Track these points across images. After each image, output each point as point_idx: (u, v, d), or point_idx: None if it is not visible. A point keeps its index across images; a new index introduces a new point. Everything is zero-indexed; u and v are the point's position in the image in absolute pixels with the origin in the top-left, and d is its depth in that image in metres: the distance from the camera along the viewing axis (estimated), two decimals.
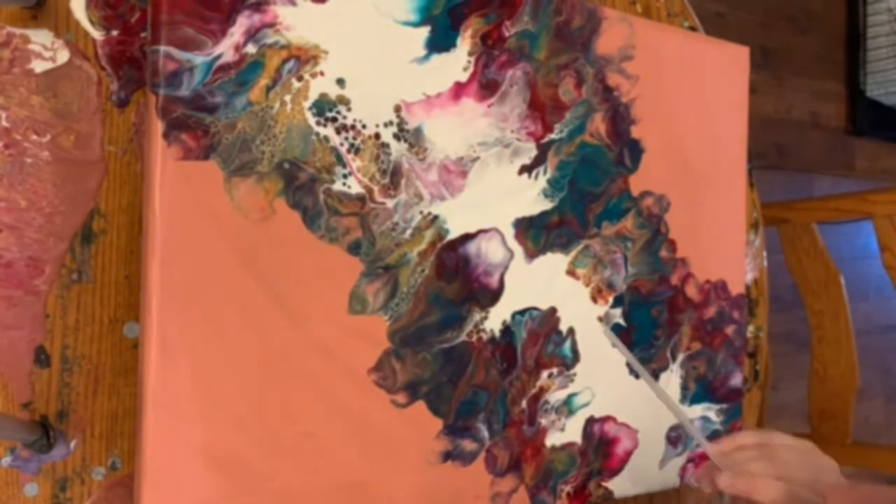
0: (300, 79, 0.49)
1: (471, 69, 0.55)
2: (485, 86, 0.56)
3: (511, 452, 0.58)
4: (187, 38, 0.45)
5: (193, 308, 0.45)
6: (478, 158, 0.56)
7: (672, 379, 0.68)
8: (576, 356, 0.62)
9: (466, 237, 0.56)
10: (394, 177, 0.52)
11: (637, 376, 0.66)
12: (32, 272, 0.46)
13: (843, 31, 2.04)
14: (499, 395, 0.57)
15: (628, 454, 0.65)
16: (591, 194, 0.62)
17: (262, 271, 0.47)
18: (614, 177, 0.64)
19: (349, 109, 0.50)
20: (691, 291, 0.69)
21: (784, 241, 1.06)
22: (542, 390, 0.60)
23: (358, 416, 0.51)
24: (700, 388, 0.70)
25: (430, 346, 0.54)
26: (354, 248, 0.51)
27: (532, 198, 0.59)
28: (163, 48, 0.44)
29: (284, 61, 0.48)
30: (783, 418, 1.55)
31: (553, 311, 0.60)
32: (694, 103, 0.69)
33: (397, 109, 0.52)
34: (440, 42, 0.54)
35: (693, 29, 0.76)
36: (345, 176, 0.50)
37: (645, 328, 0.66)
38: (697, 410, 0.70)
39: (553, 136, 0.60)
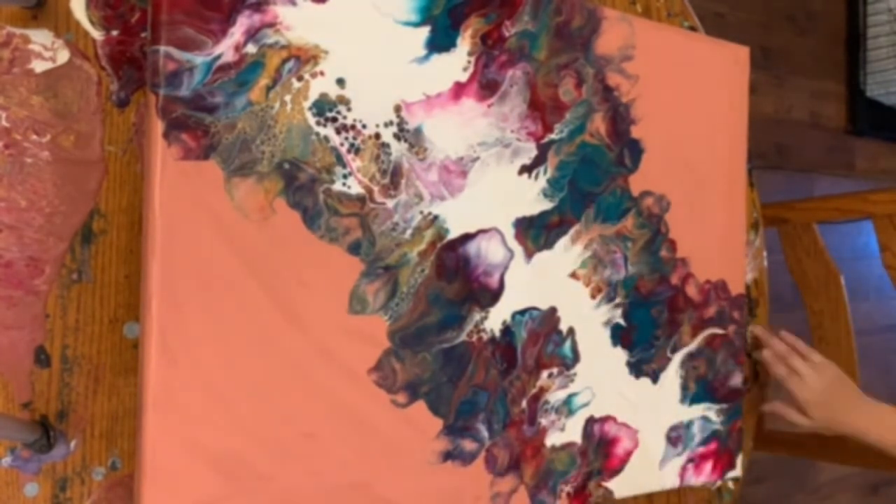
0: (300, 79, 0.49)
1: (471, 69, 0.55)
2: (485, 86, 0.56)
3: (511, 452, 0.58)
4: (187, 38, 0.45)
5: (193, 308, 0.45)
6: (478, 158, 0.56)
7: (672, 379, 0.68)
8: (576, 356, 0.62)
9: (466, 237, 0.56)
10: (394, 177, 0.52)
11: (637, 376, 0.66)
12: (32, 272, 0.46)
13: (843, 31, 2.04)
14: (499, 395, 0.57)
15: (628, 454, 0.65)
16: (591, 194, 0.62)
17: (262, 271, 0.47)
18: (614, 177, 0.64)
19: (349, 109, 0.50)
20: (691, 291, 0.69)
21: (784, 241, 1.06)
22: (542, 390, 0.60)
23: (358, 416, 0.51)
24: (700, 388, 0.70)
25: (430, 346, 0.54)
26: (354, 248, 0.51)
27: (532, 198, 0.59)
28: (163, 48, 0.44)
29: (284, 61, 0.48)
30: (783, 418, 1.55)
31: (553, 311, 0.60)
32: (694, 103, 0.69)
33: (397, 109, 0.52)
34: (440, 42, 0.54)
35: (693, 29, 0.77)
36: (345, 176, 0.50)
37: (645, 328, 0.66)
38: (697, 410, 0.70)
39: (553, 136, 0.60)
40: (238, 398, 0.47)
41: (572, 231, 0.61)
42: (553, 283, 0.60)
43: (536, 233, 0.59)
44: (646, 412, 0.66)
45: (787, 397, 0.79)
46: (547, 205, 0.60)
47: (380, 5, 0.52)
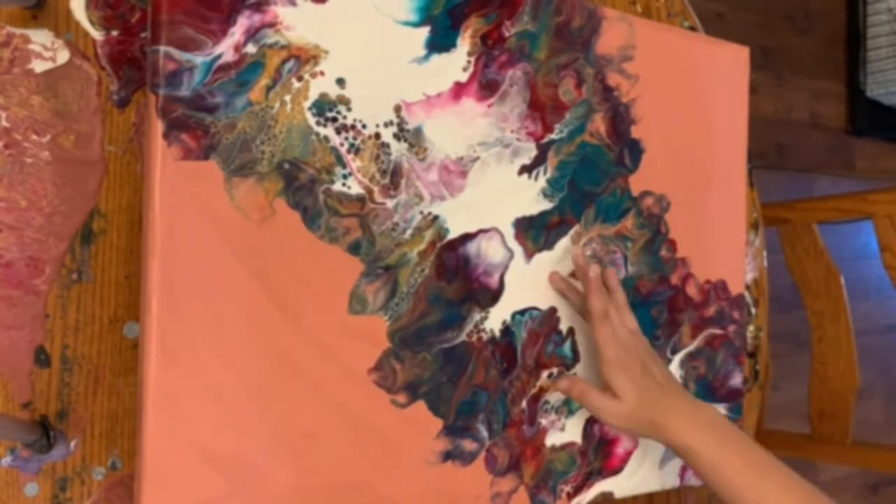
0: (300, 79, 0.49)
1: (470, 69, 0.55)
2: (485, 86, 0.56)
3: (511, 452, 0.58)
4: (187, 38, 0.45)
5: (193, 308, 0.45)
6: (478, 158, 0.56)
7: None
8: (576, 356, 0.62)
9: (466, 237, 0.56)
10: (394, 177, 0.52)
11: None
12: (32, 272, 0.46)
13: (843, 30, 2.04)
14: (499, 395, 0.57)
15: (628, 454, 0.65)
16: (591, 194, 0.62)
17: (262, 271, 0.47)
18: (614, 177, 0.64)
19: (349, 109, 0.50)
20: (691, 291, 0.69)
21: (784, 241, 1.07)
22: (542, 390, 0.60)
23: (358, 416, 0.51)
24: (700, 388, 0.70)
25: (430, 346, 0.54)
26: (354, 248, 0.51)
27: (532, 198, 0.59)
28: (163, 48, 0.44)
29: (284, 61, 0.48)
30: (783, 418, 1.55)
31: (553, 311, 0.60)
32: (694, 103, 0.69)
33: (397, 109, 0.52)
34: (440, 42, 0.54)
35: (693, 29, 0.77)
36: (345, 176, 0.50)
37: (645, 328, 0.66)
38: None
39: (553, 136, 0.60)
40: (238, 398, 0.47)
41: (572, 231, 0.61)
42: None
43: (536, 233, 0.59)
44: None
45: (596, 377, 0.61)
46: (547, 205, 0.60)
47: (380, 5, 0.52)
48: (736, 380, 0.73)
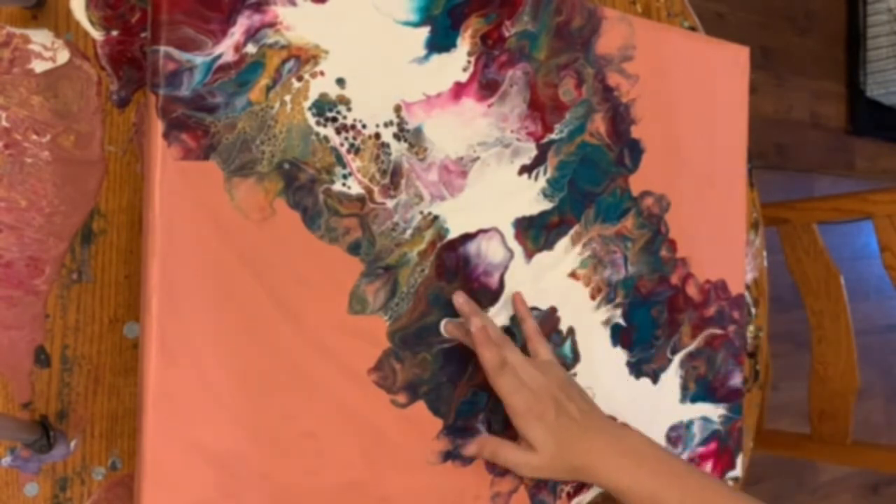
0: (300, 79, 0.49)
1: (470, 69, 0.55)
2: (485, 86, 0.56)
3: None
4: (187, 38, 0.45)
5: (193, 308, 0.45)
6: (478, 158, 0.56)
7: (672, 379, 0.68)
8: (576, 356, 0.62)
9: (466, 237, 0.56)
10: (394, 177, 0.52)
11: (637, 376, 0.66)
12: (32, 272, 0.46)
13: (843, 30, 2.05)
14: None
15: None
16: (590, 194, 0.62)
17: (261, 271, 0.47)
18: (614, 177, 0.64)
19: (349, 109, 0.50)
20: (691, 291, 0.69)
21: (784, 241, 1.07)
22: None
23: (358, 416, 0.51)
24: (700, 388, 0.70)
25: (430, 346, 0.54)
26: (354, 248, 0.51)
27: (532, 198, 0.59)
28: (163, 48, 0.44)
29: (284, 61, 0.48)
30: (783, 418, 1.56)
31: (553, 311, 0.60)
32: (694, 103, 0.69)
33: (397, 109, 0.52)
34: (440, 42, 0.54)
35: (693, 29, 0.77)
36: (345, 176, 0.50)
37: (645, 328, 0.66)
38: (697, 410, 0.70)
39: (553, 136, 0.60)
40: (238, 398, 0.47)
41: (572, 231, 0.61)
42: (553, 284, 0.60)
43: (536, 233, 0.59)
44: (646, 412, 0.66)
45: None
46: (547, 205, 0.60)
47: (380, 5, 0.52)
48: (736, 380, 0.73)
